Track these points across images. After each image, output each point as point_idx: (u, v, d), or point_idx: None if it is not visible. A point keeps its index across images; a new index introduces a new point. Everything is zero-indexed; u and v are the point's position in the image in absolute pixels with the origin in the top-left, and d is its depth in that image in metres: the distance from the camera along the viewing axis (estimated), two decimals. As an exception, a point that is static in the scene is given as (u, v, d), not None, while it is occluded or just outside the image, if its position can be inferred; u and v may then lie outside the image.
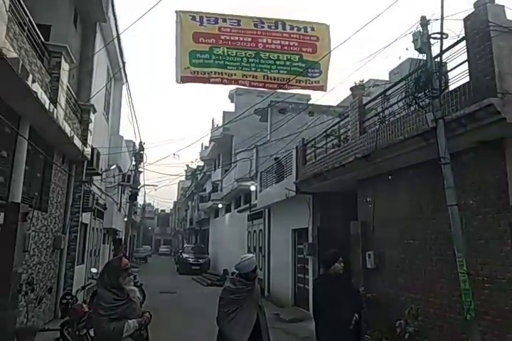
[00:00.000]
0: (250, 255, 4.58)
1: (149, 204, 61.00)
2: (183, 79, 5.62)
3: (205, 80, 5.67)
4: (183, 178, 51.45)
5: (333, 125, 9.33)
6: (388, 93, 6.89)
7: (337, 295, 4.66)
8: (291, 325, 9.83)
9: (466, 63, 5.07)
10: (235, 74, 5.61)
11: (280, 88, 5.95)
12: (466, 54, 5.06)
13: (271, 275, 14.36)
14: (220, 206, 24.41)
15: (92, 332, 5.89)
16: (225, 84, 5.79)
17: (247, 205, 18.43)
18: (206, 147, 30.24)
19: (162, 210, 73.68)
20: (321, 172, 8.81)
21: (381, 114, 6.95)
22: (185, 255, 26.69)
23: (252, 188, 16.45)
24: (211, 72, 5.58)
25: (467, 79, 5.07)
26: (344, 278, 5.10)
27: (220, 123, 23.60)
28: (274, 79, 5.72)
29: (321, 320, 4.74)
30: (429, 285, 6.20)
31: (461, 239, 4.94)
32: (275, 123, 14.82)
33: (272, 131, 15.13)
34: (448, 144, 5.11)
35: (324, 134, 9.53)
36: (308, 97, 19.61)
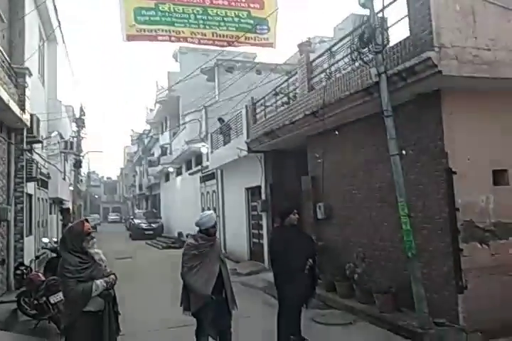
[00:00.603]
0: (209, 211, 4.74)
1: (94, 171, 59.10)
2: (129, 38, 5.41)
3: (153, 38, 5.49)
4: (128, 143, 50.08)
5: (282, 83, 9.43)
6: (334, 49, 7.04)
7: (293, 243, 5.01)
8: (248, 278, 10.33)
9: (407, 18, 5.27)
10: (183, 32, 5.47)
11: (230, 45, 5.90)
12: (406, 9, 5.25)
13: (226, 234, 14.77)
14: (170, 170, 24.22)
15: (52, 299, 5.97)
16: (173, 42, 5.64)
17: (199, 167, 18.46)
18: (152, 110, 29.35)
19: (108, 177, 71.76)
20: (271, 130, 8.99)
21: (328, 70, 7.13)
22: (137, 221, 26.60)
23: (203, 150, 16.45)
24: (158, 29, 5.39)
25: (408, 34, 5.30)
26: (298, 228, 5.45)
27: (165, 85, 22.86)
28: (224, 37, 5.65)
29: (279, 266, 5.08)
30: (374, 230, 6.76)
31: (403, 186, 5.38)
32: (223, 82, 14.63)
33: (220, 90, 14.95)
34: (390, 97, 5.43)
35: (273, 92, 9.62)
36: (255, 55, 19.40)
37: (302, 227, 7.66)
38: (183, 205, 21.91)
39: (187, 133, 17.67)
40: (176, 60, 22.18)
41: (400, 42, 5.40)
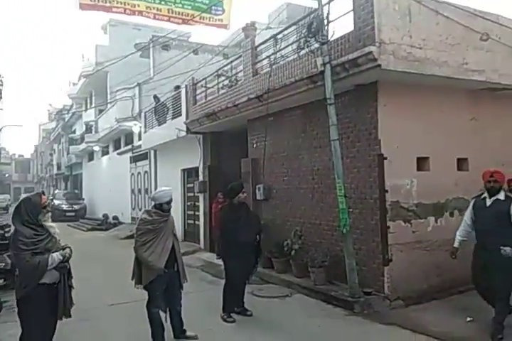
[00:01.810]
0: (167, 188, 4.80)
1: (4, 148, 54.26)
2: (83, 7, 5.13)
3: (107, 9, 5.27)
4: (45, 119, 46.50)
5: (225, 65, 9.50)
6: (279, 36, 7.27)
7: (242, 220, 5.35)
8: (185, 258, 10.37)
9: (352, 13, 5.65)
10: (139, 6, 5.32)
11: (185, 23, 5.87)
12: (352, 4, 5.62)
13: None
14: (96, 148, 23.10)
15: None
16: (128, 14, 5.46)
17: (129, 147, 17.91)
18: (75, 84, 27.51)
19: (20, 155, 66.31)
20: (213, 112, 9.07)
21: (273, 56, 7.35)
22: (57, 202, 25.02)
23: (135, 129, 15.99)
24: (113, 0, 5.19)
25: (352, 27, 5.69)
26: (246, 206, 5.74)
27: (92, 58, 21.55)
28: (179, 14, 5.60)
29: (229, 241, 5.37)
30: (311, 209, 7.25)
31: (341, 168, 5.87)
32: (159, 63, 14.22)
33: (155, 68, 14.55)
34: (333, 86, 5.82)
35: (216, 74, 9.66)
36: (189, 35, 19.00)
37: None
38: (109, 186, 21.17)
39: (117, 110, 17.00)
40: (105, 33, 20.98)
41: (345, 35, 5.78)
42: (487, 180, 4.58)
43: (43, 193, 3.86)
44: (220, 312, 5.41)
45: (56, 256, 3.57)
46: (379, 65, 5.23)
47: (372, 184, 6.02)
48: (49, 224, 3.70)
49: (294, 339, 4.76)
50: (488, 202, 4.58)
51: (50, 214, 3.76)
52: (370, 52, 5.19)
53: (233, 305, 5.49)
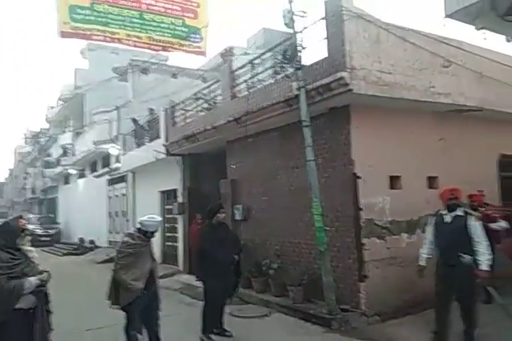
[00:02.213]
0: (159, 218, 4.86)
1: (-24, 172, 52.73)
2: (64, 35, 5.28)
3: (87, 37, 5.43)
4: (20, 142, 45.67)
5: (203, 88, 9.73)
6: (256, 61, 7.58)
7: (221, 239, 5.39)
8: (163, 280, 10.32)
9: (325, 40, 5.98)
10: (119, 33, 5.51)
11: (164, 50, 6.08)
12: (325, 32, 5.96)
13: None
14: (72, 171, 22.76)
15: None
16: (108, 42, 5.64)
17: (106, 169, 17.77)
18: (53, 107, 27.35)
19: (-6, 179, 64.44)
20: (192, 134, 9.23)
21: (250, 80, 7.63)
22: (30, 227, 24.34)
23: (113, 151, 15.94)
24: (93, 28, 5.36)
25: (326, 54, 6.01)
26: (225, 226, 5.82)
27: (71, 82, 21.59)
28: (158, 42, 5.81)
29: (208, 261, 5.37)
30: (289, 229, 7.37)
31: (317, 188, 6.05)
32: (138, 86, 14.41)
33: (134, 92, 14.71)
34: (308, 109, 6.08)
35: (194, 97, 9.87)
36: (167, 58, 19.32)
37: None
38: (85, 209, 20.79)
39: (95, 133, 16.97)
40: (84, 57, 21.15)
41: (319, 61, 6.09)
42: (448, 198, 4.79)
43: (21, 217, 3.85)
44: (199, 334, 5.38)
45: (33, 280, 3.51)
46: (350, 90, 5.53)
47: (347, 202, 6.21)
48: (27, 248, 3.68)
49: (274, 358, 4.77)
50: (448, 218, 4.76)
51: (28, 237, 3.74)
52: (342, 78, 5.49)
53: (212, 326, 5.47)
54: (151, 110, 12.76)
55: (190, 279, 9.26)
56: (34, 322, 3.52)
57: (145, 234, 4.64)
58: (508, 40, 4.02)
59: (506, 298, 4.84)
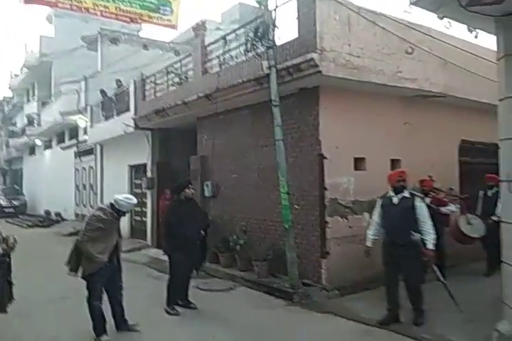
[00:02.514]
0: (135, 200, 4.90)
1: None
2: (27, 1, 5.01)
3: (52, 4, 5.18)
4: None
5: (174, 62, 9.53)
6: (229, 38, 7.47)
7: (189, 215, 5.50)
8: (131, 254, 10.41)
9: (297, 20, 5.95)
10: (86, 2, 5.28)
11: (132, 22, 5.88)
12: (297, 12, 5.92)
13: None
14: (38, 142, 22.09)
15: None
16: (74, 10, 5.40)
17: (74, 141, 17.36)
18: (17, 75, 26.09)
19: (-47, 148, 61.56)
20: (162, 108, 9.10)
21: (222, 56, 7.53)
22: (-6, 197, 23.81)
23: (81, 123, 15.54)
24: (59, -5, 5.12)
25: (296, 34, 5.99)
26: (193, 202, 5.90)
27: (36, 49, 20.57)
28: (127, 13, 5.61)
29: (174, 236, 5.49)
30: (256, 206, 7.52)
31: (284, 167, 6.18)
32: (108, 56, 13.92)
33: (103, 62, 14.21)
34: (278, 89, 6.11)
35: (165, 71, 9.67)
36: (139, 28, 18.67)
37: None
38: (52, 181, 20.37)
39: (62, 103, 16.40)
40: (50, 23, 20.12)
41: (290, 41, 6.08)
42: (396, 180, 4.88)
43: None
44: (164, 306, 5.54)
45: None
46: (320, 71, 5.58)
47: (313, 182, 6.38)
48: None
49: (236, 329, 4.98)
50: (396, 200, 4.89)
51: None
52: (312, 59, 5.52)
53: (177, 298, 5.64)
54: (119, 81, 12.41)
55: (158, 253, 9.39)
56: None
57: (117, 212, 4.70)
58: (470, 30, 4.13)
59: (455, 276, 5.20)
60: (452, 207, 6.45)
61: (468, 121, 7.77)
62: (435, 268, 4.94)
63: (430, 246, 4.68)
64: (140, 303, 5.53)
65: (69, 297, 6.16)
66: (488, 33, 4.36)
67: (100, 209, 4.79)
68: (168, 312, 5.45)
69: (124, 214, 4.78)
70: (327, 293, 6.08)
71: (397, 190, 4.90)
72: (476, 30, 4.36)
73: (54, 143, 20.62)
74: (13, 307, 3.82)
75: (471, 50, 6.64)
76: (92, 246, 4.50)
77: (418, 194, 5.03)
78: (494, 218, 6.19)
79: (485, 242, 6.68)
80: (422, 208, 4.80)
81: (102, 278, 4.57)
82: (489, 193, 6.88)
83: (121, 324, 4.84)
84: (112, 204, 4.72)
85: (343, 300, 5.95)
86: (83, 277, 4.58)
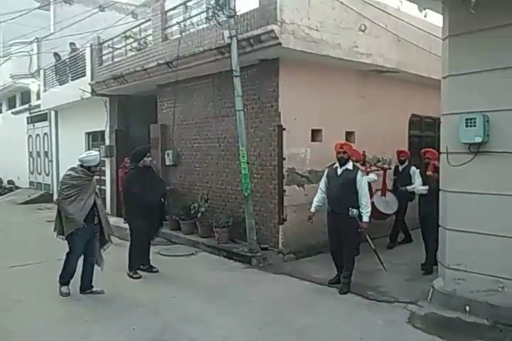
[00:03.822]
0: (96, 152, 5.10)
1: None
2: None
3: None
4: None
5: (134, 27, 9.23)
6: (190, 4, 7.32)
7: (147, 182, 5.65)
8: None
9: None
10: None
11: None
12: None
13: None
14: (-14, 107, 20.92)
15: None
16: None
17: (26, 106, 16.57)
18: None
19: None
20: (121, 74, 8.90)
21: (183, 23, 7.41)
22: None
23: (33, 87, 14.83)
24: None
25: (257, 4, 6.00)
26: (151, 170, 6.02)
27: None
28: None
29: (134, 203, 5.67)
30: (217, 175, 7.72)
31: (245, 137, 6.35)
32: (61, 17, 13.15)
33: (55, 22, 13.45)
34: (239, 59, 6.17)
35: (124, 35, 9.36)
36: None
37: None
38: (3, 148, 19.50)
39: (13, 66, 15.49)
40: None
41: (251, 11, 6.08)
42: (337, 151, 5.02)
43: None
44: (127, 271, 5.75)
45: None
46: (279, 43, 5.68)
47: (272, 152, 6.62)
48: None
49: (196, 289, 5.28)
50: (339, 171, 5.08)
51: None
52: (272, 31, 5.60)
53: (139, 263, 5.86)
54: (73, 45, 11.87)
55: (119, 221, 9.47)
56: None
57: (89, 170, 4.86)
58: (420, 10, 4.34)
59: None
60: (372, 175, 6.48)
61: (419, 95, 8.18)
62: (367, 237, 5.31)
63: (366, 218, 4.90)
64: (104, 269, 5.68)
65: (30, 263, 6.35)
66: (437, 12, 4.61)
67: (71, 168, 4.93)
68: (130, 276, 5.67)
69: (95, 168, 4.93)
70: (283, 257, 6.49)
71: (341, 162, 5.04)
72: (426, 9, 4.58)
73: (4, 107, 19.60)
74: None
75: (424, 28, 6.92)
76: (68, 205, 4.71)
77: (360, 167, 5.17)
78: (408, 188, 6.39)
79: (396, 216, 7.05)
80: (361, 181, 4.93)
81: (81, 239, 4.81)
82: (400, 168, 7.11)
83: (87, 286, 5.06)
84: (80, 165, 4.89)
85: (298, 263, 6.39)
86: (66, 237, 4.80)
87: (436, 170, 5.26)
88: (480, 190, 4.16)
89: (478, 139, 4.05)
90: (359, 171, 5.05)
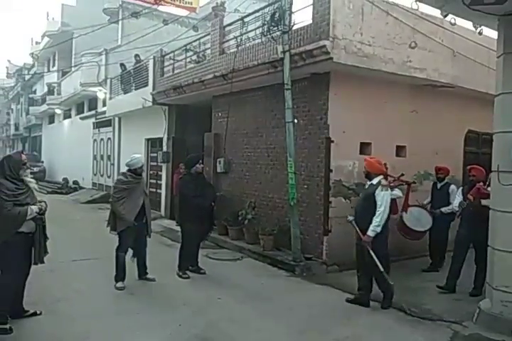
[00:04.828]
0: (138, 155, 5.71)
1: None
2: None
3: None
4: (2, 76, 44.14)
5: (194, 41, 9.76)
6: (246, 19, 7.68)
7: (198, 188, 6.01)
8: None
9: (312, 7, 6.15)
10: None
11: (156, 4, 6.14)
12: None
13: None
14: (58, 111, 22.67)
15: None
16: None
17: (93, 112, 17.83)
18: (38, 43, 26.39)
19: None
20: (180, 85, 9.43)
21: (239, 38, 7.77)
22: (16, 163, 24.57)
23: (100, 95, 15.95)
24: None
25: (310, 21, 6.20)
26: (202, 177, 6.37)
27: (57, 18, 20.77)
28: (151, -7, 5.85)
29: (186, 207, 6.03)
30: (265, 184, 7.95)
31: (293, 148, 6.53)
32: (128, 30, 14.11)
33: (123, 35, 14.44)
34: (291, 73, 6.38)
35: (184, 48, 9.92)
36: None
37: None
38: (70, 150, 21.03)
39: (82, 74, 16.76)
40: (72, -8, 20.22)
41: (304, 27, 6.29)
42: (363, 170, 5.20)
43: (22, 152, 4.34)
44: (176, 270, 6.09)
45: (34, 208, 4.07)
46: (331, 58, 5.83)
47: (319, 164, 6.74)
48: (29, 179, 4.17)
49: (239, 292, 5.50)
50: (367, 186, 5.17)
51: (29, 170, 4.23)
52: (324, 46, 5.77)
53: (188, 264, 6.19)
54: (137, 56, 12.69)
55: (171, 224, 10.00)
56: (33, 244, 4.12)
57: (135, 172, 5.42)
58: (475, 27, 4.32)
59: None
60: (396, 191, 5.99)
61: (476, 111, 7.92)
62: (372, 253, 4.86)
63: (369, 232, 4.83)
64: (156, 267, 6.04)
65: (88, 258, 6.94)
66: (492, 29, 4.56)
67: (121, 174, 5.58)
68: (179, 276, 6.00)
69: (140, 170, 5.49)
70: (327, 268, 6.53)
71: (368, 177, 5.09)
72: (481, 26, 4.55)
73: (73, 112, 21.14)
74: (40, 265, 4.35)
75: (482, 42, 6.76)
76: (120, 206, 5.27)
77: (382, 182, 5.00)
78: (442, 209, 6.26)
79: (430, 236, 6.63)
80: (379, 196, 4.84)
81: (130, 235, 5.37)
82: (438, 186, 6.71)
83: (142, 273, 5.70)
84: (128, 170, 5.48)
85: (341, 275, 6.40)
86: (117, 233, 5.37)
87: (480, 195, 5.11)
88: (531, 210, 4.05)
89: (531, 158, 3.97)
90: (380, 186, 4.93)
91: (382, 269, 4.84)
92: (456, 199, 5.79)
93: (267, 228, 7.42)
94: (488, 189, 5.21)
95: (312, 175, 6.87)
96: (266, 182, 7.92)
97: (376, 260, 4.84)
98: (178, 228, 6.60)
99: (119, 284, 5.40)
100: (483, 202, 5.17)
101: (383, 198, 4.84)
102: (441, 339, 4.16)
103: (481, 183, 5.39)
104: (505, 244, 4.25)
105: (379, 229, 4.82)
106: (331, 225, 6.64)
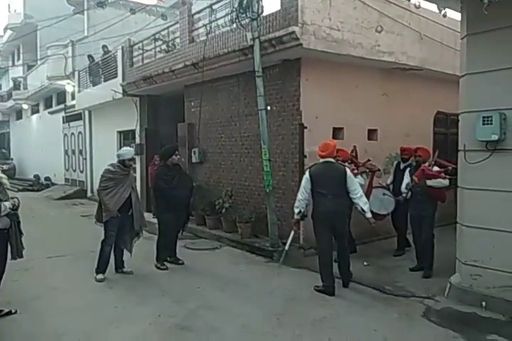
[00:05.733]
0: (130, 148, 5.80)
1: None
2: None
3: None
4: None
5: (162, 30, 9.57)
6: (215, 7, 7.57)
7: (175, 179, 5.95)
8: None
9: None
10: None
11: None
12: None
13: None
14: (25, 106, 21.95)
15: None
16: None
17: (62, 106, 17.35)
18: (0, 36, 25.35)
19: None
20: (150, 75, 9.27)
21: (208, 26, 7.67)
22: (-18, 161, 23.87)
23: (69, 88, 15.52)
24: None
25: (279, 7, 6.17)
26: (179, 168, 6.30)
27: (20, 9, 19.98)
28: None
29: (162, 199, 5.98)
30: (241, 172, 7.95)
31: (267, 135, 6.54)
32: (94, 20, 13.72)
33: (89, 26, 14.04)
34: (261, 60, 6.35)
35: (153, 37, 9.73)
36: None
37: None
38: (40, 146, 20.44)
39: (49, 68, 16.22)
40: (33, -18, 19.44)
41: (273, 13, 6.26)
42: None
43: None
44: (154, 262, 6.06)
45: (8, 204, 4.00)
46: (301, 44, 5.83)
47: (293, 150, 6.78)
48: (0, 175, 4.07)
49: (219, 280, 5.52)
50: None
51: (1, 167, 4.12)
52: (293, 32, 5.76)
53: (166, 255, 6.17)
54: (105, 47, 12.39)
55: (148, 216, 9.81)
56: (9, 240, 4.08)
57: (123, 164, 5.39)
58: (440, 9, 4.40)
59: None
60: (359, 179, 5.90)
61: (444, 93, 8.10)
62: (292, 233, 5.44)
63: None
64: (134, 260, 5.99)
65: (65, 254, 6.80)
66: (456, 11, 4.65)
67: (110, 164, 5.51)
68: (158, 268, 5.98)
69: (129, 162, 5.45)
70: (304, 252, 6.62)
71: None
72: (445, 8, 4.63)
73: (41, 107, 20.53)
74: (13, 263, 4.26)
75: (447, 24, 6.88)
76: (106, 195, 5.27)
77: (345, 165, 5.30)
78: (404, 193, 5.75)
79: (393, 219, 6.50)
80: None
81: (113, 226, 5.34)
82: (402, 166, 6.44)
83: (119, 266, 5.70)
84: (118, 160, 5.45)
85: (317, 258, 6.51)
86: (103, 223, 5.36)
87: (426, 176, 5.26)
88: (497, 187, 4.20)
89: (495, 137, 4.09)
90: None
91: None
92: (404, 180, 5.74)
93: (245, 216, 7.45)
94: (434, 169, 5.40)
95: (287, 162, 6.91)
96: (242, 171, 7.92)
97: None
98: (155, 220, 6.55)
99: (99, 276, 5.38)
100: (429, 182, 5.34)
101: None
102: (414, 314, 4.31)
103: (427, 164, 5.48)
104: (473, 220, 4.41)
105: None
106: (306, 210, 6.70)
